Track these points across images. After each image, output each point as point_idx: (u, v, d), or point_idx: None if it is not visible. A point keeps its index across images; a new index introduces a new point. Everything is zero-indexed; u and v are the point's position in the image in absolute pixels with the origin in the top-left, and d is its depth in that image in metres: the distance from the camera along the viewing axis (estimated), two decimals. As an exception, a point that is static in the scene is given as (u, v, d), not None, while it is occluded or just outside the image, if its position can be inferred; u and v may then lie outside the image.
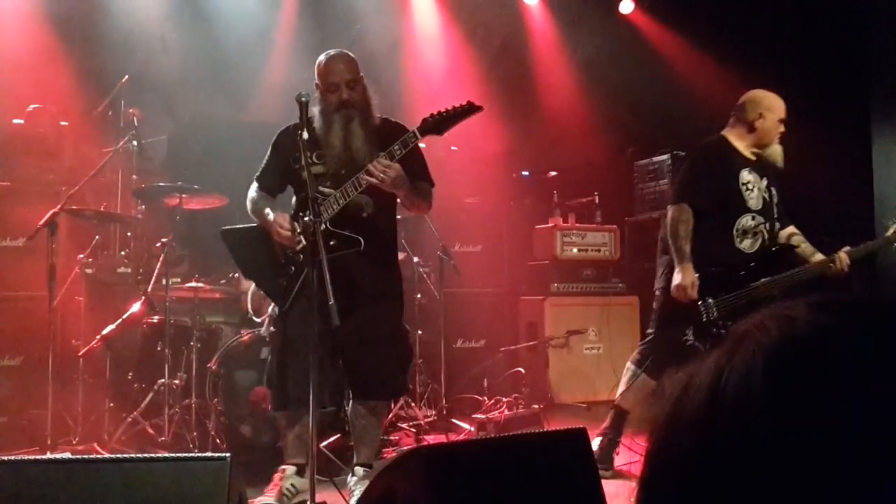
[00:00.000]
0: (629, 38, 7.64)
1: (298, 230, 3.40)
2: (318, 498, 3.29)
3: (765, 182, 3.96)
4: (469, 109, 3.52)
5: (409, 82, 7.16)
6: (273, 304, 3.74)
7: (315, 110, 3.53)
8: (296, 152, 3.49)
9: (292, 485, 3.44)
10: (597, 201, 6.80)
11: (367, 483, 3.35)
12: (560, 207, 6.76)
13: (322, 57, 3.60)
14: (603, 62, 7.64)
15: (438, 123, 3.48)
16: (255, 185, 3.72)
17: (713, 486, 0.58)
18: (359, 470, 3.52)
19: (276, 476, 3.49)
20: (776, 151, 3.95)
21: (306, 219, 3.16)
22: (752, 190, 3.91)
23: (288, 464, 3.52)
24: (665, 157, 6.84)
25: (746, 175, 3.92)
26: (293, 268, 3.51)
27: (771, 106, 3.91)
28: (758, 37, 6.62)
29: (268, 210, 3.59)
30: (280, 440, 3.64)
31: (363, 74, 3.60)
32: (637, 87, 7.38)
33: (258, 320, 4.53)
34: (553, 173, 7.32)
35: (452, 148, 6.83)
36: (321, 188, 3.45)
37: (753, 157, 3.96)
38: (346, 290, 3.29)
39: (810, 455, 0.55)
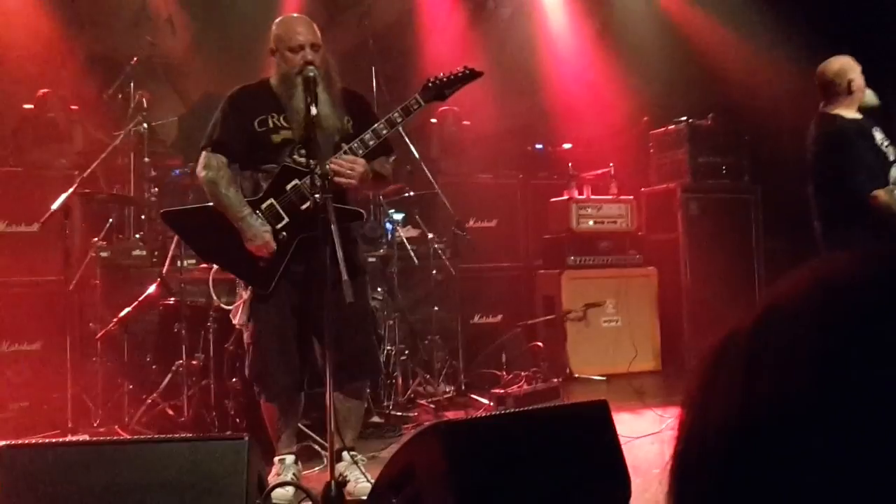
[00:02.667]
0: (642, 6, 7.51)
1: (276, 226, 3.24)
2: (309, 483, 3.26)
3: (879, 130, 4.25)
4: (470, 75, 3.47)
5: (418, 58, 7.08)
6: (242, 290, 3.44)
7: (275, 78, 3.38)
8: (261, 114, 3.31)
9: (294, 474, 3.38)
10: (612, 172, 6.72)
11: (356, 469, 3.31)
12: (575, 180, 6.68)
13: (281, 20, 3.47)
14: (615, 31, 7.53)
15: (441, 88, 3.42)
16: (211, 154, 3.31)
17: (753, 455, 0.52)
18: (346, 455, 3.35)
19: (275, 469, 3.36)
20: (869, 95, 4.26)
21: (317, 196, 3.08)
22: (886, 143, 4.22)
23: (284, 454, 3.41)
24: (681, 125, 6.74)
25: (878, 135, 4.21)
26: (275, 247, 3.28)
27: (851, 66, 4.22)
28: (769, 3, 6.49)
29: (247, 212, 3.26)
30: (271, 430, 3.44)
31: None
32: (650, 55, 7.27)
33: (229, 308, 3.92)
34: (567, 146, 7.23)
35: (465, 123, 6.76)
36: (296, 157, 3.30)
37: (860, 116, 4.24)
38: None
39: (858, 425, 0.50)
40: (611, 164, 6.77)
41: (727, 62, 6.87)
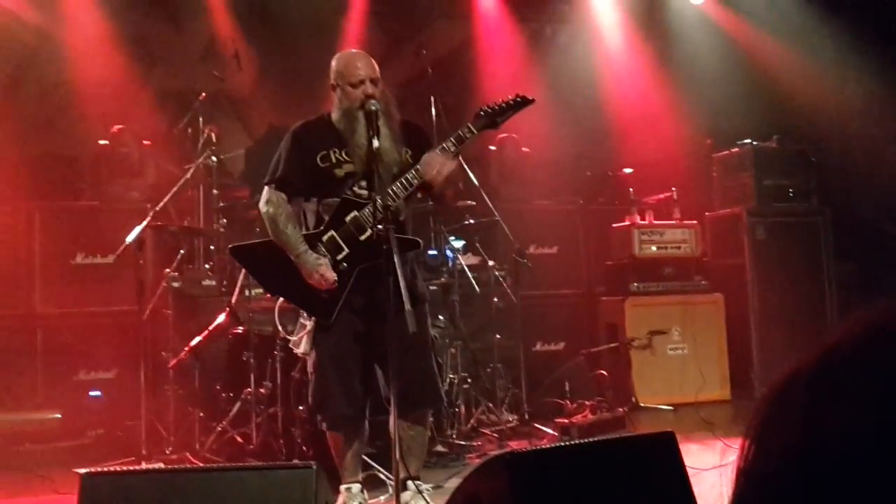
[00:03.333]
0: (702, 28, 7.45)
1: (337, 257, 3.33)
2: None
3: None
4: (522, 102, 3.49)
5: (477, 87, 7.15)
6: (305, 320, 3.50)
7: (336, 113, 3.47)
8: (323, 150, 3.39)
9: (360, 503, 3.41)
10: (675, 197, 6.63)
11: (421, 499, 3.32)
12: (637, 205, 6.62)
13: (340, 56, 3.55)
14: (674, 53, 7.48)
15: (493, 116, 3.45)
16: (273, 191, 3.42)
17: (811, 493, 0.54)
18: (411, 484, 3.36)
19: (341, 498, 3.39)
20: None
21: (379, 228, 3.13)
22: None
23: (350, 482, 3.44)
24: (745, 147, 6.63)
25: None
26: (336, 278, 3.35)
27: None
28: (832, 22, 6.37)
29: (303, 248, 3.35)
30: (336, 459, 3.47)
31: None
32: (711, 77, 7.19)
33: (293, 339, 3.92)
34: (628, 170, 7.18)
35: (524, 149, 6.78)
36: (356, 189, 3.38)
37: None
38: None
39: None
40: (673, 189, 6.69)
41: (791, 82, 6.75)
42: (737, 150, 6.70)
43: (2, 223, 5.58)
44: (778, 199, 6.60)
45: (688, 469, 2.63)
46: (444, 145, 3.38)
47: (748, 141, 6.62)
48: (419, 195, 3.66)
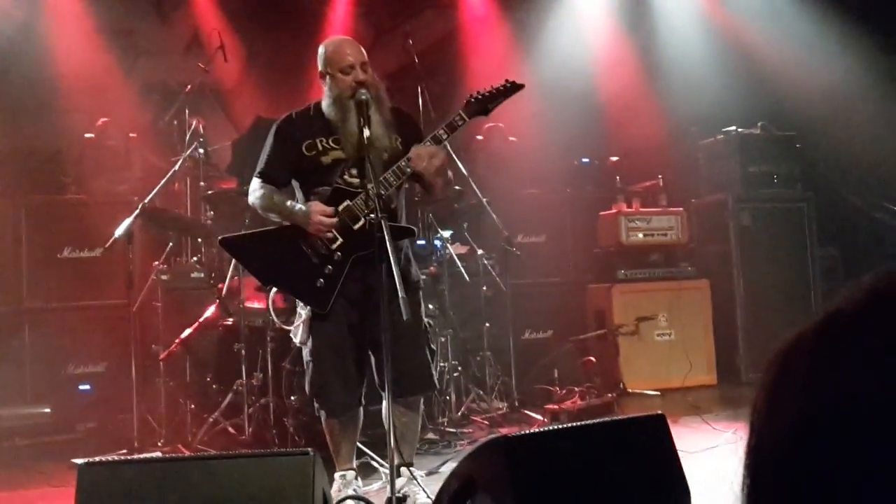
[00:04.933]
0: (686, 14, 7.49)
1: (331, 246, 3.32)
2: (372, 498, 3.31)
3: None
4: (512, 87, 3.48)
5: (464, 76, 7.16)
6: (301, 309, 3.50)
7: (326, 101, 3.45)
8: (309, 139, 3.40)
9: (355, 490, 3.43)
10: (661, 184, 6.68)
11: (415, 485, 3.35)
12: (623, 192, 6.66)
13: (328, 43, 3.53)
14: (659, 41, 7.51)
15: (484, 103, 3.43)
16: (257, 181, 3.49)
17: (819, 448, 0.57)
18: (404, 471, 3.38)
19: (336, 485, 3.41)
20: None
21: (372, 217, 3.14)
22: None
23: (345, 469, 3.47)
24: (730, 134, 6.68)
25: None
26: (330, 267, 3.34)
27: None
28: (816, 5, 6.42)
29: (290, 202, 3.42)
30: (332, 446, 3.50)
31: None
32: (696, 64, 7.22)
33: (289, 328, 3.91)
34: (614, 158, 7.21)
35: (511, 139, 6.80)
36: (347, 177, 3.38)
37: None
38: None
39: None
40: (659, 176, 6.73)
41: (776, 69, 6.79)
42: (722, 136, 6.73)
43: (-12, 218, 5.55)
44: (763, 185, 6.65)
45: (678, 451, 2.68)
46: (436, 133, 3.38)
47: (733, 128, 6.66)
48: (407, 185, 3.67)
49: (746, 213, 6.55)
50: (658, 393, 5.96)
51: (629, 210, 6.54)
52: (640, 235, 6.49)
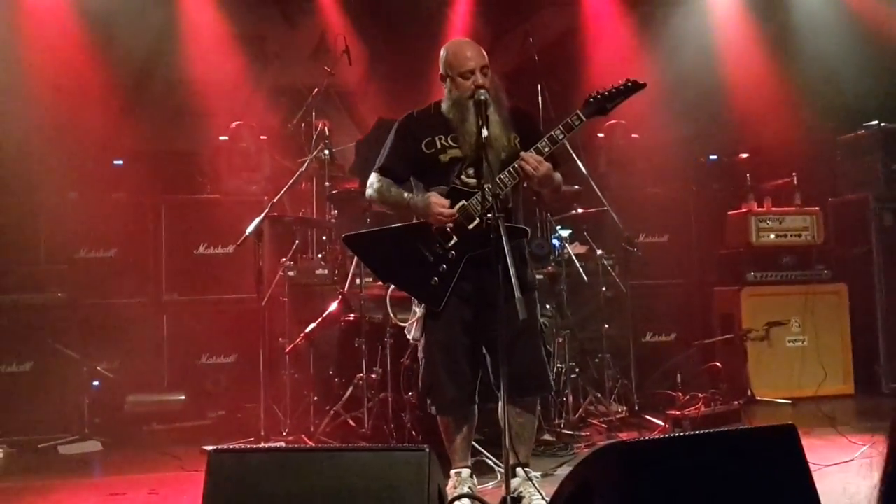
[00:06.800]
0: (824, 3, 7.09)
1: (447, 245, 3.34)
2: (487, 498, 3.30)
3: None
4: (633, 87, 3.41)
5: (585, 72, 7.05)
6: (416, 307, 3.57)
7: (446, 103, 3.48)
8: (428, 136, 3.44)
9: (469, 488, 3.44)
10: (795, 182, 6.35)
11: (531, 486, 3.32)
12: (754, 191, 6.37)
13: (449, 46, 3.54)
14: (795, 33, 7.14)
15: (602, 102, 3.38)
16: (375, 175, 3.56)
17: None
18: (520, 471, 3.37)
19: (451, 482, 3.43)
20: None
21: (488, 216, 3.15)
22: None
23: (460, 467, 3.49)
24: (873, 129, 6.28)
25: None
26: (444, 266, 3.37)
27: None
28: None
29: (408, 194, 3.47)
30: (446, 443, 3.52)
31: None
32: (835, 56, 6.83)
33: (404, 324, 4.09)
34: (744, 155, 6.92)
35: (633, 136, 6.65)
36: (464, 177, 3.39)
37: None
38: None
39: None
40: (793, 174, 6.41)
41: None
42: (863, 132, 6.37)
43: (131, 217, 5.94)
44: (908, 184, 6.23)
45: (809, 465, 2.53)
46: (553, 133, 3.35)
47: (875, 122, 6.27)
48: (525, 184, 3.65)
49: (889, 214, 6.18)
50: (789, 402, 5.68)
51: (760, 209, 6.26)
52: (772, 236, 6.21)
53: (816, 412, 5.16)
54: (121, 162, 6.23)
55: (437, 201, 3.36)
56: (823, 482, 3.04)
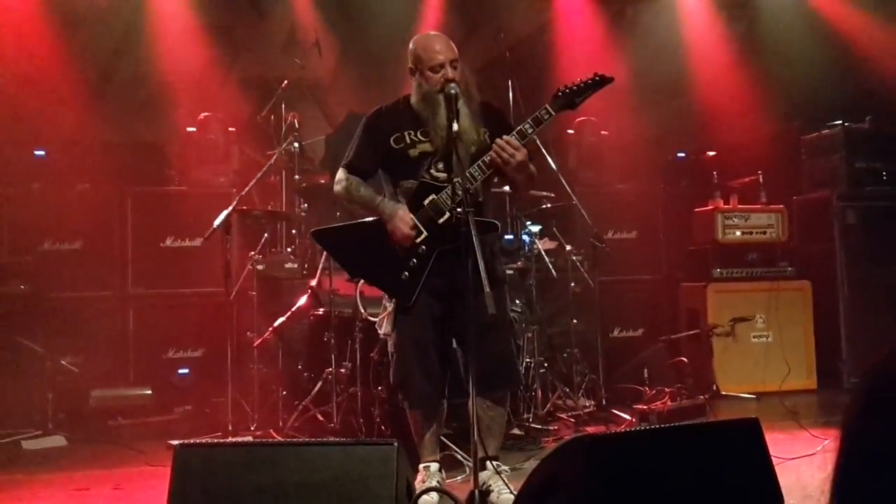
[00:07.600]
0: (789, 3, 7.19)
1: (416, 240, 3.35)
2: (455, 491, 3.31)
3: None
4: (600, 81, 3.43)
5: (555, 70, 7.07)
6: (387, 301, 3.57)
7: (416, 96, 3.47)
8: (397, 132, 3.43)
9: (438, 481, 3.44)
10: (761, 180, 6.44)
11: (499, 480, 3.33)
12: (720, 188, 6.45)
13: (418, 39, 3.52)
14: (761, 32, 7.23)
15: (571, 96, 3.39)
16: (343, 171, 3.54)
17: None
18: (489, 464, 3.38)
19: (420, 476, 3.44)
20: None
21: (458, 210, 3.14)
22: None
23: (429, 461, 3.50)
24: (836, 129, 6.38)
25: None
26: (415, 260, 3.37)
27: None
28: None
29: (380, 199, 3.47)
30: (416, 437, 3.54)
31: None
32: (800, 56, 6.93)
33: (376, 319, 4.08)
34: (711, 153, 7.00)
35: (603, 132, 6.69)
36: (433, 171, 3.39)
37: None
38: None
39: None
40: (759, 172, 6.50)
41: (885, 61, 6.45)
42: (827, 131, 6.46)
43: (97, 208, 5.85)
44: (870, 182, 6.34)
45: (772, 458, 2.58)
46: (522, 127, 3.36)
47: (839, 122, 6.37)
48: (496, 179, 3.65)
49: (852, 212, 6.28)
50: (754, 396, 5.77)
51: (726, 207, 6.35)
52: (738, 233, 6.29)
53: (780, 407, 5.26)
54: (42, 153, 5.87)
55: (405, 220, 3.34)
56: (785, 475, 3.10)
